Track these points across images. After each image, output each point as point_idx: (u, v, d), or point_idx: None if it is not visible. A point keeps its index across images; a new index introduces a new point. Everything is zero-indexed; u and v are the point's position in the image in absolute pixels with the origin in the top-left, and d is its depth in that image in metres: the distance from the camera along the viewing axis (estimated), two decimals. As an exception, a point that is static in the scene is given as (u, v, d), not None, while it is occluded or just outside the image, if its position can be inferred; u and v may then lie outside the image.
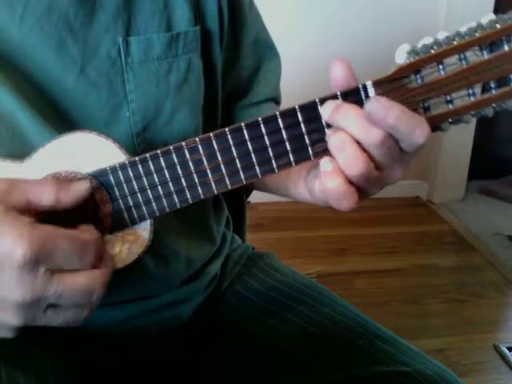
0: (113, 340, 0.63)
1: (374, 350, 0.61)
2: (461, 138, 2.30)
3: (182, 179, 0.47)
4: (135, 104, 0.56)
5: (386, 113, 0.41)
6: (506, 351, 1.49)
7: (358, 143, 0.43)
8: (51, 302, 0.40)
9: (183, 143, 0.46)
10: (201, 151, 0.46)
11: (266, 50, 0.73)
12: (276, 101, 0.76)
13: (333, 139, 0.43)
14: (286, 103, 0.76)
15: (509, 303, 1.76)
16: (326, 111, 0.43)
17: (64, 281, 0.40)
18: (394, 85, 0.42)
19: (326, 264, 1.91)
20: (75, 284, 0.41)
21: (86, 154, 0.49)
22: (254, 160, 0.46)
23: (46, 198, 0.43)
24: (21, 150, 0.52)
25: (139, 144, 0.57)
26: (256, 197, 0.83)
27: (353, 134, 0.42)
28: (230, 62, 0.69)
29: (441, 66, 0.42)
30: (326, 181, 0.44)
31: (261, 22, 0.73)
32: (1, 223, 0.39)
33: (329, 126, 0.44)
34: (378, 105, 0.41)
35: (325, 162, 0.44)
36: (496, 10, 2.16)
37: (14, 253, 0.38)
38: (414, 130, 0.41)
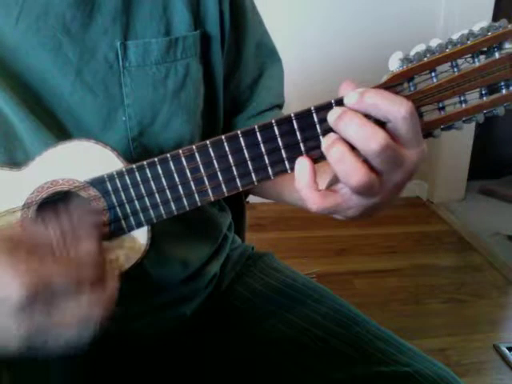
0: (112, 340, 0.63)
1: (374, 350, 0.61)
2: (461, 138, 2.30)
3: (179, 186, 0.48)
4: (132, 108, 0.56)
5: (362, 96, 0.42)
6: (506, 351, 1.49)
7: (357, 154, 0.42)
8: (49, 334, 0.40)
9: (180, 151, 0.46)
10: (198, 159, 0.46)
11: (268, 56, 0.73)
12: (280, 106, 0.76)
13: (333, 151, 0.43)
14: (284, 104, 0.77)
15: (509, 303, 1.77)
16: (332, 117, 0.43)
17: (61, 316, 0.40)
18: None
19: (326, 264, 1.91)
20: (72, 317, 0.40)
21: (84, 161, 0.49)
22: (251, 167, 0.46)
23: None
24: (14, 154, 0.52)
25: (135, 148, 0.57)
26: (256, 197, 0.83)
27: (352, 141, 0.42)
28: (232, 66, 0.68)
29: (433, 74, 0.42)
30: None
31: (263, 28, 0.73)
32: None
33: (324, 133, 0.44)
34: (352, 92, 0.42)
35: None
36: (495, 15, 2.16)
37: (10, 296, 0.38)
38: (393, 106, 0.41)
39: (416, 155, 0.43)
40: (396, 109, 0.41)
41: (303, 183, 0.45)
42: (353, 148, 0.42)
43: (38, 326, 0.39)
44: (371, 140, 0.41)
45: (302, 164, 0.45)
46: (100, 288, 0.42)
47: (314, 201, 0.45)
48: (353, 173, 0.42)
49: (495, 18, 2.16)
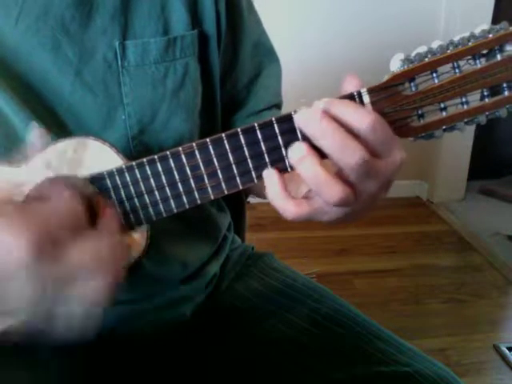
0: (112, 340, 0.63)
1: (374, 350, 0.61)
2: (461, 138, 2.30)
3: (179, 184, 0.47)
4: (131, 107, 0.57)
5: (328, 105, 0.41)
6: (506, 351, 1.49)
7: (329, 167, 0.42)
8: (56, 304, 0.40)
9: (180, 148, 0.46)
10: (197, 156, 0.46)
11: (266, 55, 0.73)
12: (279, 106, 0.76)
13: (304, 167, 0.42)
14: (283, 105, 0.77)
15: (509, 303, 1.77)
16: (303, 120, 0.42)
17: (70, 253, 0.39)
18: (388, 92, 0.42)
19: (326, 264, 1.91)
20: (83, 250, 0.40)
21: (83, 158, 0.49)
22: (250, 165, 0.46)
23: None
24: (15, 153, 0.52)
25: (135, 147, 0.57)
26: (256, 197, 0.83)
27: (327, 151, 0.41)
28: (228, 65, 0.69)
29: (435, 74, 0.42)
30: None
31: (261, 28, 0.73)
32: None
33: None
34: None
35: None
36: (495, 16, 2.16)
37: (18, 253, 0.38)
38: (357, 115, 0.40)
39: (389, 165, 0.43)
40: (360, 119, 0.40)
41: (273, 194, 0.45)
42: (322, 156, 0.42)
43: (47, 286, 0.39)
44: (348, 151, 0.40)
45: (270, 176, 0.45)
46: (114, 266, 0.42)
47: (290, 210, 0.45)
48: (327, 190, 0.42)
49: (495, 18, 2.17)
